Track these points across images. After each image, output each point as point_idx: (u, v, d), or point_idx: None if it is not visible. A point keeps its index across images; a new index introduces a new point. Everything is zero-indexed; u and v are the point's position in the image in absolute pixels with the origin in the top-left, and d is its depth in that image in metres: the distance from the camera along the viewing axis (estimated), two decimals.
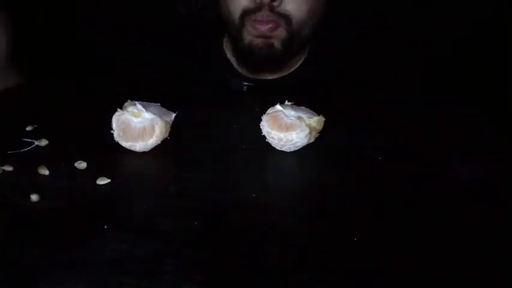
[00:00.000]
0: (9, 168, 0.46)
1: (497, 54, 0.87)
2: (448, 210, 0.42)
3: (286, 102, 0.51)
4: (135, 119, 0.49)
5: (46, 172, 0.45)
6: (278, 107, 0.50)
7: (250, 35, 0.70)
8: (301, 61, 0.79)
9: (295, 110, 0.50)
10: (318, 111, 0.51)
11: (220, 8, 0.74)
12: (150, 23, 0.87)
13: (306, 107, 0.52)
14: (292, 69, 0.79)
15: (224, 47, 0.80)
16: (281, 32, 0.70)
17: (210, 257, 0.36)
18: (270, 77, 0.78)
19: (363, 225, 0.40)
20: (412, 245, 0.38)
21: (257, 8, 0.68)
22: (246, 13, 0.69)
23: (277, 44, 0.70)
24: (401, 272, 0.35)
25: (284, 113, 0.49)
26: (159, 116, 0.49)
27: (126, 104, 0.50)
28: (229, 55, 0.80)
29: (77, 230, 0.38)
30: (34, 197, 0.41)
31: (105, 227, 0.38)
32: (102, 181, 0.44)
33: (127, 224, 0.39)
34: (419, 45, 0.85)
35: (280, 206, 0.42)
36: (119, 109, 0.49)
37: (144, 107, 0.50)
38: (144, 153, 0.49)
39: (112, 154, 0.49)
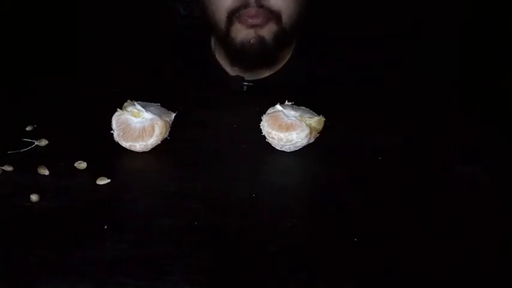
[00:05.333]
0: (9, 168, 0.46)
1: (497, 54, 0.87)
2: (448, 210, 0.42)
3: (286, 102, 0.51)
4: (135, 119, 0.49)
5: (46, 172, 0.45)
6: (278, 107, 0.50)
7: (240, 31, 0.69)
8: (290, 54, 0.78)
9: (295, 110, 0.50)
10: (318, 111, 0.51)
11: (205, 10, 0.73)
12: (148, 23, 0.88)
13: (306, 107, 0.52)
14: (283, 63, 0.78)
15: (213, 49, 0.80)
16: (272, 26, 0.69)
17: (210, 257, 0.36)
18: (262, 76, 0.77)
19: (363, 225, 0.40)
20: (412, 245, 0.38)
21: (243, 6, 0.67)
22: (232, 12, 0.68)
23: (268, 37, 0.69)
24: (402, 272, 0.35)
25: (284, 113, 0.49)
26: (159, 116, 0.49)
27: (126, 104, 0.50)
28: (218, 57, 0.79)
29: (77, 230, 0.38)
30: (34, 197, 0.41)
31: (105, 227, 0.38)
32: (102, 181, 0.44)
33: (127, 224, 0.39)
34: (417, 42, 0.85)
35: (280, 206, 0.42)
36: (118, 109, 0.49)
37: (144, 107, 0.50)
38: (144, 153, 0.49)
39: (112, 154, 0.49)
